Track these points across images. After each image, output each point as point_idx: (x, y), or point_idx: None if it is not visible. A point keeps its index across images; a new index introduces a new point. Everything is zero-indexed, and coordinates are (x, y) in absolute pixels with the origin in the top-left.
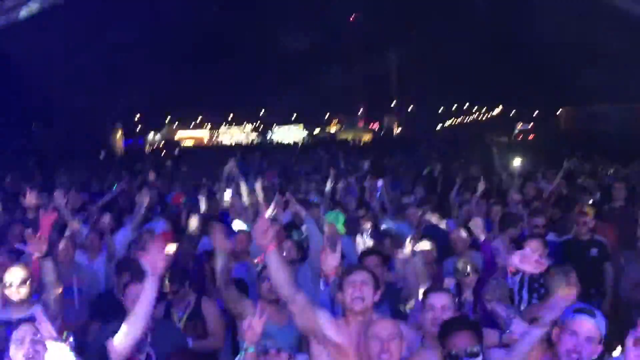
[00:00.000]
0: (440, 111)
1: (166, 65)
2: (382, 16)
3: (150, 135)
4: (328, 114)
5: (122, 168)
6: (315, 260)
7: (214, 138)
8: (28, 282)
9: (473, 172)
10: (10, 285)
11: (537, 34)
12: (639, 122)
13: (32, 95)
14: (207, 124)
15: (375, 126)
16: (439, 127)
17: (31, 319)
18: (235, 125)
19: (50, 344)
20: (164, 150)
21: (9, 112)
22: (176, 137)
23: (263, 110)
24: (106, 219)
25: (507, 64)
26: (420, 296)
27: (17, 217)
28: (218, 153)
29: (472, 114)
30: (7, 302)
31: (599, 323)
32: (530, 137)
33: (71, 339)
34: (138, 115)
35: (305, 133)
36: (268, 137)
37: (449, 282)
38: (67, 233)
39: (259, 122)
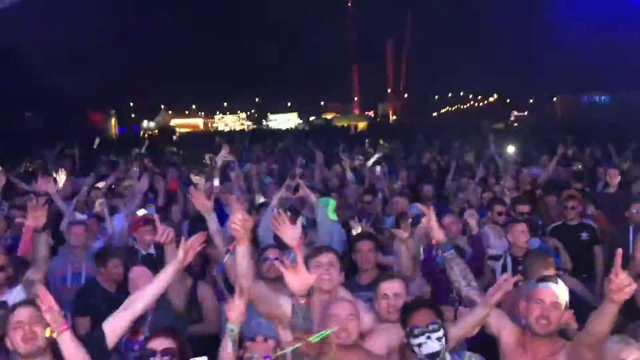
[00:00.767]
0: (436, 98)
1: (160, 53)
2: (379, 2)
3: (145, 123)
4: (323, 102)
5: (117, 154)
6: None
7: (210, 126)
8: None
9: (468, 159)
10: None
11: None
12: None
13: (25, 83)
14: (202, 113)
15: (370, 114)
16: (435, 114)
17: (28, 301)
18: (230, 114)
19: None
20: (160, 137)
21: (2, 101)
22: (171, 124)
23: (257, 98)
24: (104, 204)
25: (504, 51)
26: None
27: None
28: (214, 140)
29: (468, 101)
30: None
31: (561, 289)
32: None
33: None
34: (131, 104)
35: (300, 121)
36: (264, 124)
37: None
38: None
39: (253, 110)
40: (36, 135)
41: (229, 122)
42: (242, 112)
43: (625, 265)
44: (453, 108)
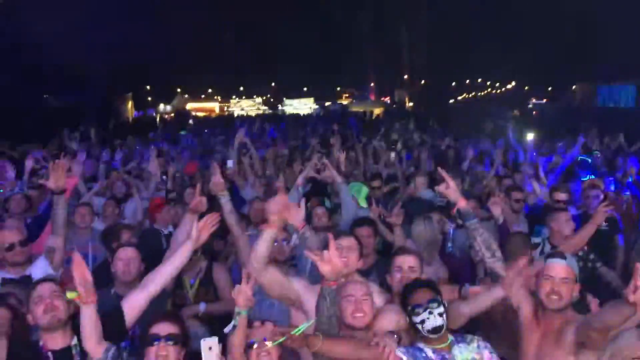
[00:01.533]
0: (453, 85)
1: (176, 37)
2: None
3: (161, 107)
4: (339, 87)
5: (134, 136)
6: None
7: (225, 110)
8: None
9: (484, 147)
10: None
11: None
12: None
13: (44, 65)
14: (217, 97)
15: (387, 100)
16: (451, 101)
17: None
18: (246, 98)
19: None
20: (177, 120)
21: (22, 82)
22: (187, 108)
23: (273, 83)
24: (122, 187)
25: (521, 38)
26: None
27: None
28: (230, 122)
29: (486, 88)
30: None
31: (571, 264)
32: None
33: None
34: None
35: (316, 106)
36: (280, 109)
37: None
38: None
39: (269, 95)
40: (56, 115)
41: (245, 106)
42: (258, 96)
43: None
44: (470, 95)
